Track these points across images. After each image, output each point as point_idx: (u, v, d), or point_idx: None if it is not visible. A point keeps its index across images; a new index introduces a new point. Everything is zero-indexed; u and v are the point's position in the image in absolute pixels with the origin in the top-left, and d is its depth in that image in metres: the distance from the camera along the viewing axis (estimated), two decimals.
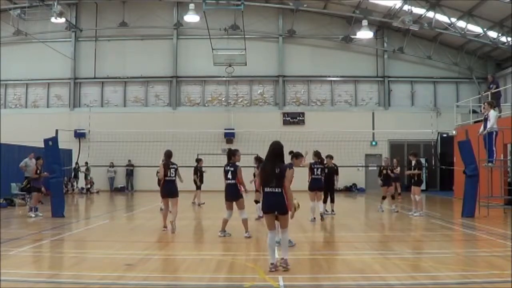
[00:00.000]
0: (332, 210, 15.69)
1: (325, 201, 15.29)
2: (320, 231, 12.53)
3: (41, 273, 7.54)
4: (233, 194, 10.84)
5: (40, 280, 7.03)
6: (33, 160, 16.64)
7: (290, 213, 7.44)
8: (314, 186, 14.00)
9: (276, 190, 7.33)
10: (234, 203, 10.89)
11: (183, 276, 7.31)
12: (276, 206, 7.39)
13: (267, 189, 7.41)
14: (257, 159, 13.59)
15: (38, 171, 15.57)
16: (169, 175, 11.71)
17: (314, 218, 13.82)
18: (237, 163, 10.95)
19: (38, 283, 6.85)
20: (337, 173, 15.80)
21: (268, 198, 7.44)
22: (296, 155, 10.00)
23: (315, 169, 14.00)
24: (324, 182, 14.54)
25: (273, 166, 7.40)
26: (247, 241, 10.35)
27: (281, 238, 7.67)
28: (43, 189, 16.37)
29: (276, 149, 7.56)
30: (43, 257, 9.05)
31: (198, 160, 19.64)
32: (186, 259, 8.80)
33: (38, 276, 7.36)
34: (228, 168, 10.90)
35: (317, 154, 14.28)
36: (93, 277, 7.03)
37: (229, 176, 10.86)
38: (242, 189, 10.90)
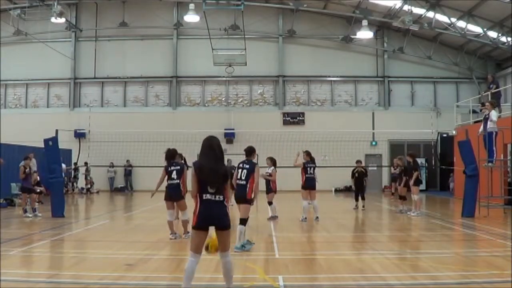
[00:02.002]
0: (363, 206, 17.42)
1: (357, 199, 17.71)
2: (320, 231, 12.52)
3: (41, 273, 7.53)
4: (176, 194, 10.63)
5: (40, 280, 7.02)
6: (34, 160, 16.56)
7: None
8: (308, 185, 14.14)
9: (217, 198, 5.72)
10: (175, 203, 10.74)
11: (183, 276, 7.27)
12: (215, 219, 5.69)
13: (205, 196, 5.73)
14: (272, 160, 13.93)
15: (27, 171, 15.13)
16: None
17: (306, 218, 13.95)
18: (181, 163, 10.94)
19: (38, 283, 6.85)
20: (366, 175, 17.92)
21: (206, 208, 5.69)
22: (249, 152, 9.35)
23: (308, 169, 14.16)
24: (355, 184, 17.79)
25: (215, 166, 5.78)
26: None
27: (223, 264, 5.85)
28: (43, 189, 16.29)
29: (214, 144, 5.90)
30: (43, 257, 9.04)
31: (228, 161, 19.53)
32: (186, 259, 8.77)
33: (38, 276, 7.35)
34: (173, 167, 10.70)
35: (308, 153, 14.47)
36: (93, 277, 7.02)
37: (174, 176, 10.61)
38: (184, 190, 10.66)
